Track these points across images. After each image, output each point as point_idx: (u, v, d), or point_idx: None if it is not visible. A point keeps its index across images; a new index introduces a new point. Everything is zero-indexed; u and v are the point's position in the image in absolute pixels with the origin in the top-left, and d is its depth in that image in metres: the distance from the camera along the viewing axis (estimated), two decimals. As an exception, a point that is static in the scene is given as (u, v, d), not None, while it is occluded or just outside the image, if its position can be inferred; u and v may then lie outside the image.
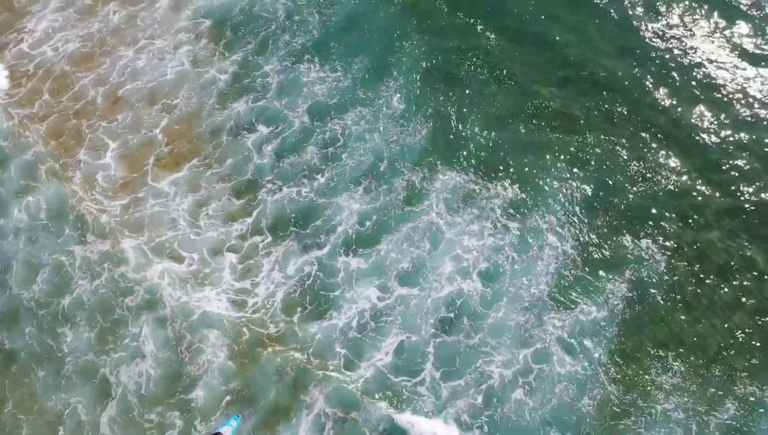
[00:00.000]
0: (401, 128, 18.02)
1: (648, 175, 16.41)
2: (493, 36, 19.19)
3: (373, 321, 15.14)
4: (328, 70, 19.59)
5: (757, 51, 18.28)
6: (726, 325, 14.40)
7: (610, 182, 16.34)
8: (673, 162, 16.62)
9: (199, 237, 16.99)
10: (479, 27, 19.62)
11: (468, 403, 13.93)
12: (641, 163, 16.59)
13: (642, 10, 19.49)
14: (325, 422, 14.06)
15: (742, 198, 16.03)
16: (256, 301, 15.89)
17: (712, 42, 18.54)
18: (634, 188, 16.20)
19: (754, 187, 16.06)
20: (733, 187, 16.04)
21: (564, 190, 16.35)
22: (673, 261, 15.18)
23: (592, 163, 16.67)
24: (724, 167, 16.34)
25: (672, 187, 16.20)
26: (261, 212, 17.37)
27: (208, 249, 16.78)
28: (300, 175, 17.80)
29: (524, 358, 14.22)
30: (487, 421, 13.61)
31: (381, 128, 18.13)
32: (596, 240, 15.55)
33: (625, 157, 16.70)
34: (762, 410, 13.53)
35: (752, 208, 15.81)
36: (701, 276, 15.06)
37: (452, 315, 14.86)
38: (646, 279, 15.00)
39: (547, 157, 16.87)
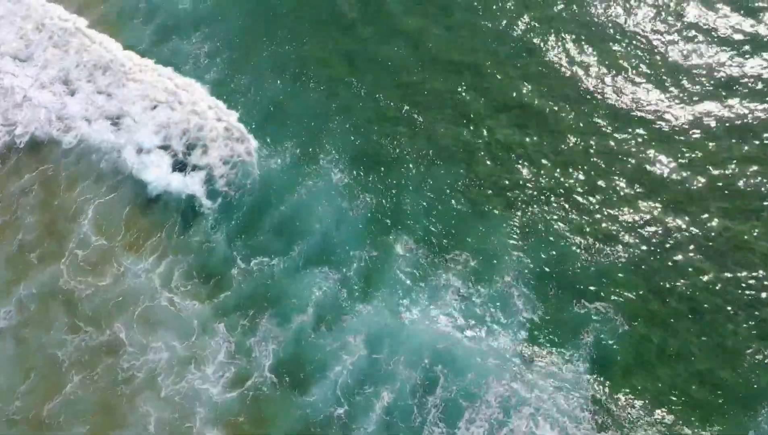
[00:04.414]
0: (349, 205, 20.02)
1: (585, 243, 18.55)
2: (420, 119, 21.85)
3: (363, 374, 17.16)
4: (272, 154, 21.39)
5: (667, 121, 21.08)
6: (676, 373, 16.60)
7: (552, 250, 18.50)
8: (606, 232, 18.72)
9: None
10: (404, 108, 22.27)
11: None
12: (579, 235, 18.74)
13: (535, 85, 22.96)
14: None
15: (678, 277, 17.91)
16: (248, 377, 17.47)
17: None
18: (577, 256, 18.34)
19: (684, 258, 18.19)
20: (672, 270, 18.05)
21: (513, 258, 18.46)
22: (621, 319, 17.25)
23: (534, 232, 18.85)
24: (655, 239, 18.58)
25: (612, 257, 18.31)
26: (231, 295, 18.93)
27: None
28: (261, 256, 19.48)
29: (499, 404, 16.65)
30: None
31: (328, 206, 20.06)
32: (549, 303, 17.72)
33: (562, 227, 18.93)
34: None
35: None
36: (647, 333, 17.15)
37: (437, 368, 17.07)
38: (600, 335, 17.07)
39: (490, 227, 19.10)
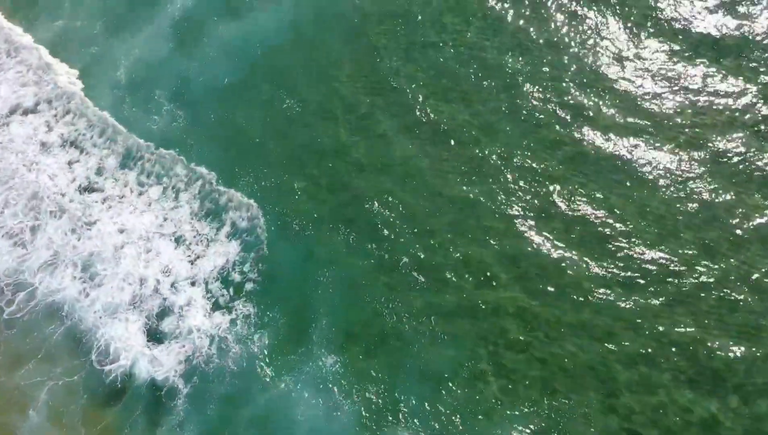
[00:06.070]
0: (341, 394, 17.42)
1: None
2: (421, 278, 19.14)
3: None
4: (254, 331, 18.64)
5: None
6: None
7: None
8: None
9: None
10: (403, 260, 19.53)
11: None
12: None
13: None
14: None
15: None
16: None
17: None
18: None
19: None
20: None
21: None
22: None
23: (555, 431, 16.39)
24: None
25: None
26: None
27: None
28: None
29: None
30: None
31: (317, 396, 17.45)
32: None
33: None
34: None
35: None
36: None
37: None
38: None
39: (504, 424, 16.55)
